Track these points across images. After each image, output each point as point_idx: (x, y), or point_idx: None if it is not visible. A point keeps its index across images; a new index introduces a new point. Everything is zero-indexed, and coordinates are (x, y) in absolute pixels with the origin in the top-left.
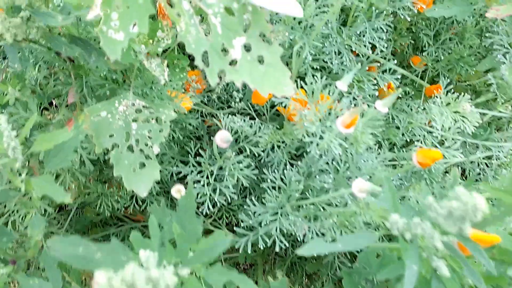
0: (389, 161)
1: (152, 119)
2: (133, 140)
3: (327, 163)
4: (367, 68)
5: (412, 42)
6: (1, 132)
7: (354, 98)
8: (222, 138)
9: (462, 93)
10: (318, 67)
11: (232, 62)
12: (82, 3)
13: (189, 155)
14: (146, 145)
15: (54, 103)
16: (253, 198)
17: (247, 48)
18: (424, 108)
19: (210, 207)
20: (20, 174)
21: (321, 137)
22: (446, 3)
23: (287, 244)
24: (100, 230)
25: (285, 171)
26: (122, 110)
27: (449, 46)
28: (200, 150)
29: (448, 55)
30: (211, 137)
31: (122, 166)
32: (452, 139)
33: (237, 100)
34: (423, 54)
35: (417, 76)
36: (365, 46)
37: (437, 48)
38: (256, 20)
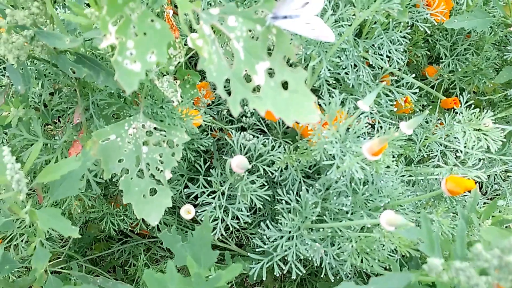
0: (406, 177)
1: (164, 142)
2: (144, 165)
3: (345, 184)
4: (385, 82)
5: (427, 52)
6: (4, 164)
7: (370, 113)
8: (239, 164)
9: (481, 108)
10: (333, 81)
11: (255, 89)
12: (93, 27)
13: (199, 173)
14: (157, 169)
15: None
16: (267, 221)
17: (270, 73)
18: (441, 122)
19: (223, 231)
20: (24, 206)
21: (341, 158)
22: (466, 14)
23: (304, 271)
24: (104, 245)
25: (300, 192)
26: (132, 132)
27: (465, 57)
28: (209, 168)
29: (465, 66)
30: (221, 154)
31: (132, 193)
32: (471, 154)
33: (248, 114)
34: (438, 64)
35: (432, 88)
36: (381, 58)
37: (453, 60)
38: (280, 43)
